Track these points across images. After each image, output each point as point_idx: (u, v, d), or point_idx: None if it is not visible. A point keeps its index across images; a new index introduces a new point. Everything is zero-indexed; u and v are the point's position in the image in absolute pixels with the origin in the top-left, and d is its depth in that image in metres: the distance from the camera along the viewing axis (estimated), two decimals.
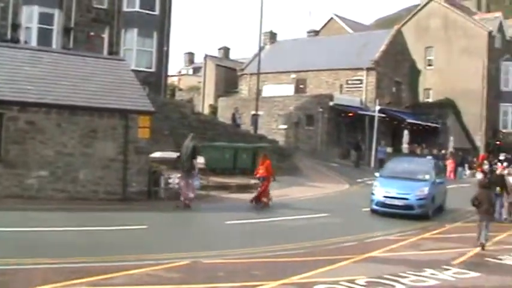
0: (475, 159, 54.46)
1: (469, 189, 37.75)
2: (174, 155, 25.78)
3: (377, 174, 25.83)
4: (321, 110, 48.74)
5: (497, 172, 27.27)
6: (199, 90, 68.08)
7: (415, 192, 22.90)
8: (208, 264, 12.70)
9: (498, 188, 24.19)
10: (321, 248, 15.47)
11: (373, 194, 23.53)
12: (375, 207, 23.29)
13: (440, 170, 28.28)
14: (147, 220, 18.33)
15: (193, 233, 17.30)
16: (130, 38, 39.33)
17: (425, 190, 23.12)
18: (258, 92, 48.47)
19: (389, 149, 48.26)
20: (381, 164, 40.85)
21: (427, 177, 24.11)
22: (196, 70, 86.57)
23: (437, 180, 24.61)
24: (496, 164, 52.40)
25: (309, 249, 15.21)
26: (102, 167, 22.33)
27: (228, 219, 19.24)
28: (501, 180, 24.94)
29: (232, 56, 75.56)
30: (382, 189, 23.21)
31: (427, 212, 23.06)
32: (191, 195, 22.10)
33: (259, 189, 23.74)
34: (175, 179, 24.05)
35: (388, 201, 22.85)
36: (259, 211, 22.10)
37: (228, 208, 22.70)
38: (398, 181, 23.66)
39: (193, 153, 22.43)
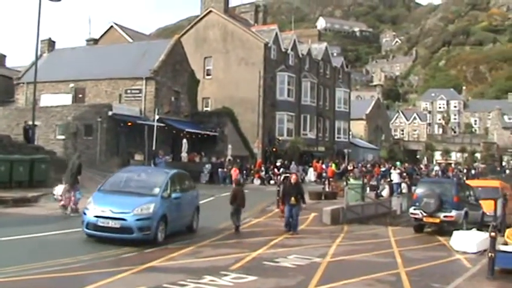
0: (252, 166, 56.45)
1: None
2: None
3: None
4: (99, 119, 48.03)
5: (292, 181, 24.37)
6: None
7: (134, 210, 17.98)
8: None
9: (293, 198, 23.21)
10: (100, 260, 15.19)
11: (84, 213, 18.49)
12: (86, 230, 18.24)
13: (190, 183, 22.92)
14: None
15: None
16: None
17: (150, 208, 18.16)
18: (35, 101, 46.88)
19: (169, 158, 48.51)
20: None
21: (156, 191, 19.06)
22: None
23: (174, 195, 19.61)
24: (272, 169, 54.90)
25: (88, 262, 14.90)
26: None
27: (3, 235, 18.39)
28: (296, 188, 23.87)
29: (8, 63, 72.31)
30: (96, 207, 18.26)
31: (153, 236, 18.17)
32: (73, 205, 24.57)
33: None
34: (59, 191, 25.48)
35: (101, 222, 17.88)
36: (37, 225, 21.31)
37: (4, 223, 21.65)
38: (118, 196, 18.83)
39: (79, 169, 25.49)
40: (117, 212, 17.90)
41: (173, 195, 19.62)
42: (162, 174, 20.85)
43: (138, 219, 17.85)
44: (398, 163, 64.39)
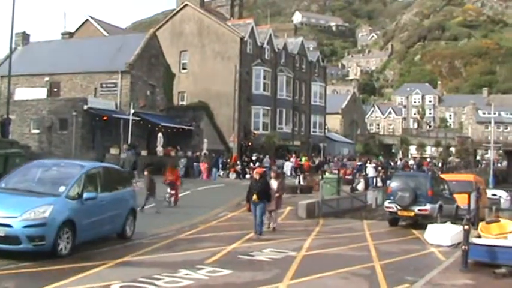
0: (228, 160, 56.40)
1: (219, 190, 39.13)
2: None
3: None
4: (74, 113, 47.69)
5: (255, 176, 22.10)
6: None
7: (24, 214, 14.09)
8: None
9: (255, 196, 20.68)
10: (72, 256, 14.89)
11: None
12: None
13: (122, 180, 19.05)
14: None
15: None
16: None
17: (46, 211, 14.27)
18: (10, 95, 46.54)
19: (144, 153, 48.17)
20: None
21: (60, 190, 15.14)
22: None
23: (87, 195, 15.48)
24: (248, 164, 54.88)
25: (59, 257, 14.50)
26: None
27: None
28: (260, 184, 21.11)
29: None
30: None
31: (50, 247, 14.28)
32: None
33: (172, 193, 28.67)
34: None
35: None
36: None
37: None
38: (9, 196, 15.04)
39: (135, 164, 30.26)
40: (3, 216, 14.10)
41: (86, 194, 15.52)
42: (76, 169, 16.62)
43: (27, 226, 13.95)
44: (380, 157, 64.70)
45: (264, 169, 28.63)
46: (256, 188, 20.89)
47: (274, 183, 22.56)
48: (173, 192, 28.85)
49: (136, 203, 19.54)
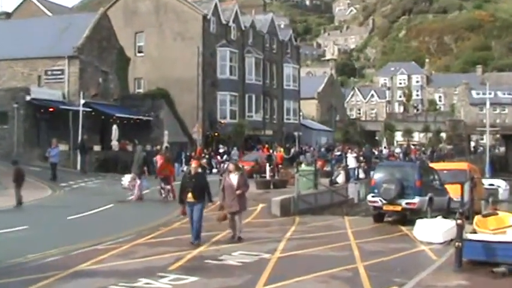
0: (193, 154, 56.25)
1: None
2: None
3: None
4: (16, 105, 47.35)
5: (191, 170, 20.10)
6: None
7: None
8: None
9: (190, 194, 19.09)
10: (18, 267, 15.01)
11: None
12: None
13: None
14: None
15: None
16: None
17: None
18: None
19: (97, 148, 47.71)
20: (54, 170, 40.38)
21: None
22: None
23: None
24: (215, 157, 54.85)
25: (4, 270, 14.64)
26: None
27: None
28: (195, 180, 19.51)
29: None
30: None
31: None
32: (139, 192, 31.42)
33: (168, 188, 31.78)
34: (127, 180, 32.97)
35: None
36: None
37: None
38: None
39: (144, 161, 32.74)
40: None
41: None
42: None
43: None
44: (367, 146, 65.06)
45: (201, 161, 34.35)
46: (191, 185, 19.23)
47: (234, 178, 20.31)
48: (169, 187, 31.89)
49: None
